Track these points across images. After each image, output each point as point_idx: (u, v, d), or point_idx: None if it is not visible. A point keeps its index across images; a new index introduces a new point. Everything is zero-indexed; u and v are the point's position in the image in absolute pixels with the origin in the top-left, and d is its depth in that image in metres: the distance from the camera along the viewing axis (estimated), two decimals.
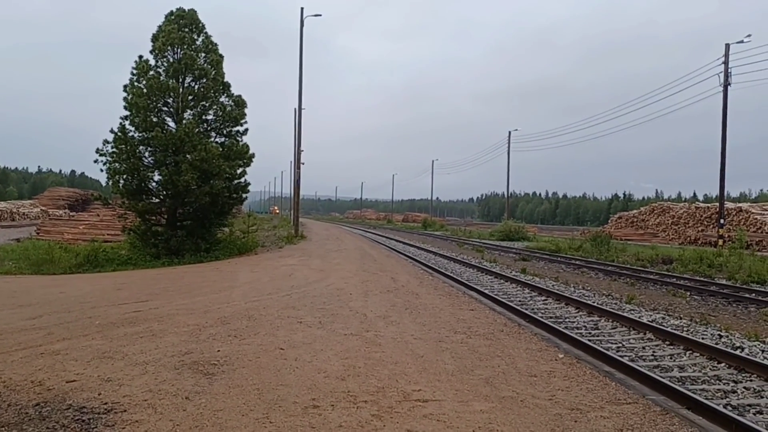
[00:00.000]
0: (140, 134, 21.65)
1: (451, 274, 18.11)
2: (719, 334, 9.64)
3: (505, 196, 71.53)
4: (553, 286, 16.00)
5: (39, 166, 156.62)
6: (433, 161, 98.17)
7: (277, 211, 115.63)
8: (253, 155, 23.82)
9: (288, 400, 5.10)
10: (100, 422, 4.51)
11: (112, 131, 21.41)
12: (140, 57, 22.16)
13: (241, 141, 23.75)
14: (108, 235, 32.16)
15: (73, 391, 5.25)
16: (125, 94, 21.68)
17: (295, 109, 38.08)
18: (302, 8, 33.10)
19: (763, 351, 8.47)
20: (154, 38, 22.53)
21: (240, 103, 23.66)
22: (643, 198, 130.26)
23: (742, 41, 29.92)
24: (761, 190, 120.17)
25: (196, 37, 23.03)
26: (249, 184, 24.31)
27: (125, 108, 21.61)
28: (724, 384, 6.92)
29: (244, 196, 24.97)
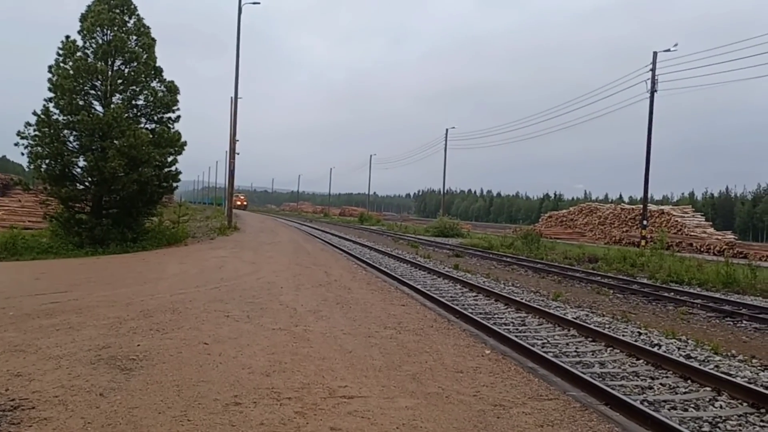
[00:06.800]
0: (65, 117, 20.64)
1: (385, 269, 18.14)
2: (639, 332, 10.01)
3: (441, 192, 72.31)
4: (484, 282, 16.26)
5: None
6: (371, 156, 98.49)
7: (245, 202, 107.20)
8: (185, 143, 23.11)
9: (209, 396, 4.95)
10: (5, 420, 4.25)
11: (34, 113, 20.36)
12: (67, 37, 21.12)
13: (173, 128, 22.98)
14: (29, 221, 30.61)
15: None
16: (50, 75, 20.68)
17: (231, 97, 37.32)
18: None
19: (679, 348, 8.83)
20: (83, 18, 21.50)
21: (172, 89, 22.91)
22: (573, 198, 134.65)
23: (668, 50, 31.21)
24: (682, 194, 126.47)
25: (127, 18, 22.12)
26: (180, 172, 23.57)
27: (50, 90, 20.56)
28: (641, 380, 7.16)
29: (174, 184, 24.18)
